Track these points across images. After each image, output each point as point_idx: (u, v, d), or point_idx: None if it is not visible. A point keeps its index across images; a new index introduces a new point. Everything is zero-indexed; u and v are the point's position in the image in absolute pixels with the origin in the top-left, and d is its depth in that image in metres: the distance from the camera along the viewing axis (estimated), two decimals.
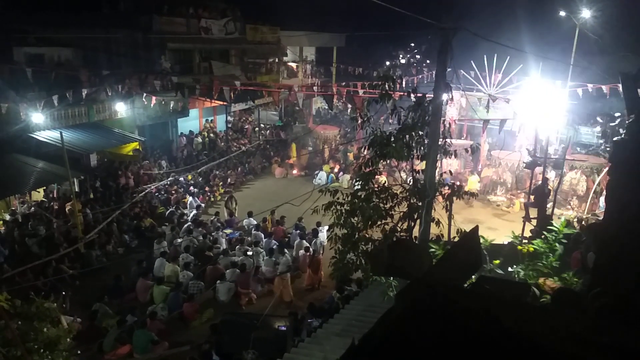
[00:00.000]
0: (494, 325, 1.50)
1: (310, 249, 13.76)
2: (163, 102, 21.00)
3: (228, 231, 15.80)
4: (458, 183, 13.45)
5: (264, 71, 30.81)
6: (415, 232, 9.54)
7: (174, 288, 11.97)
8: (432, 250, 8.54)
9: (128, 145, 19.97)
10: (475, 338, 1.46)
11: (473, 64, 22.78)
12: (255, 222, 15.81)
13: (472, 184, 19.40)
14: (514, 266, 8.24)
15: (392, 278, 8.77)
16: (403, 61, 65.17)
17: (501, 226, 16.68)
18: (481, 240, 9.52)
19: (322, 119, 33.71)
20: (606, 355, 1.45)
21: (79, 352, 8.22)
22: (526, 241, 9.64)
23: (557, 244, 7.79)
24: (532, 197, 14.64)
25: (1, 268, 12.05)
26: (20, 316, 6.35)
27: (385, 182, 13.53)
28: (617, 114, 21.17)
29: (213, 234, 15.19)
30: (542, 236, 8.42)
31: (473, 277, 3.85)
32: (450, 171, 18.48)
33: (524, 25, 32.98)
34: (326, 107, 33.46)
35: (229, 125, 27.98)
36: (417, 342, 1.53)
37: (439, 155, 9.10)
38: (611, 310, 3.22)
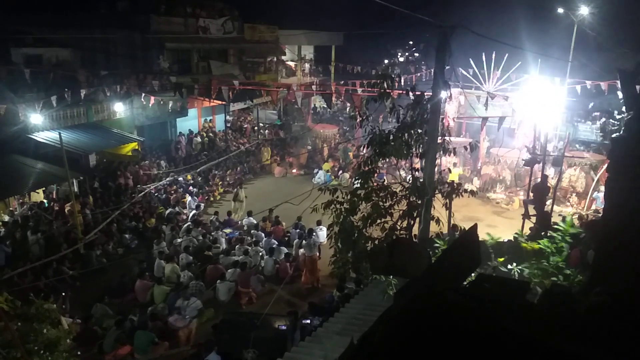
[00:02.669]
0: (493, 323, 1.50)
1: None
2: (162, 102, 20.97)
3: (228, 230, 15.79)
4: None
5: (262, 70, 30.81)
6: (415, 230, 9.55)
7: (174, 288, 11.97)
8: (437, 245, 8.56)
9: (127, 146, 19.97)
10: (473, 336, 1.46)
11: (472, 62, 22.77)
12: (254, 222, 15.81)
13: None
14: (514, 264, 8.24)
15: (391, 277, 8.79)
16: (401, 59, 65.14)
17: (500, 224, 16.71)
18: (487, 238, 9.53)
19: (320, 118, 33.70)
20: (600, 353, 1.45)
21: (78, 353, 8.20)
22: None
23: (563, 244, 7.79)
24: (531, 194, 14.63)
25: (1, 269, 12.04)
26: (20, 317, 6.34)
27: (384, 180, 13.51)
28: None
29: (213, 233, 15.17)
30: (548, 235, 8.41)
31: (472, 275, 3.85)
32: (449, 169, 18.49)
33: (522, 22, 33.03)
34: (325, 106, 33.46)
35: (228, 125, 27.96)
36: (416, 340, 1.52)
37: (438, 153, 9.10)
38: (603, 308, 3.22)
